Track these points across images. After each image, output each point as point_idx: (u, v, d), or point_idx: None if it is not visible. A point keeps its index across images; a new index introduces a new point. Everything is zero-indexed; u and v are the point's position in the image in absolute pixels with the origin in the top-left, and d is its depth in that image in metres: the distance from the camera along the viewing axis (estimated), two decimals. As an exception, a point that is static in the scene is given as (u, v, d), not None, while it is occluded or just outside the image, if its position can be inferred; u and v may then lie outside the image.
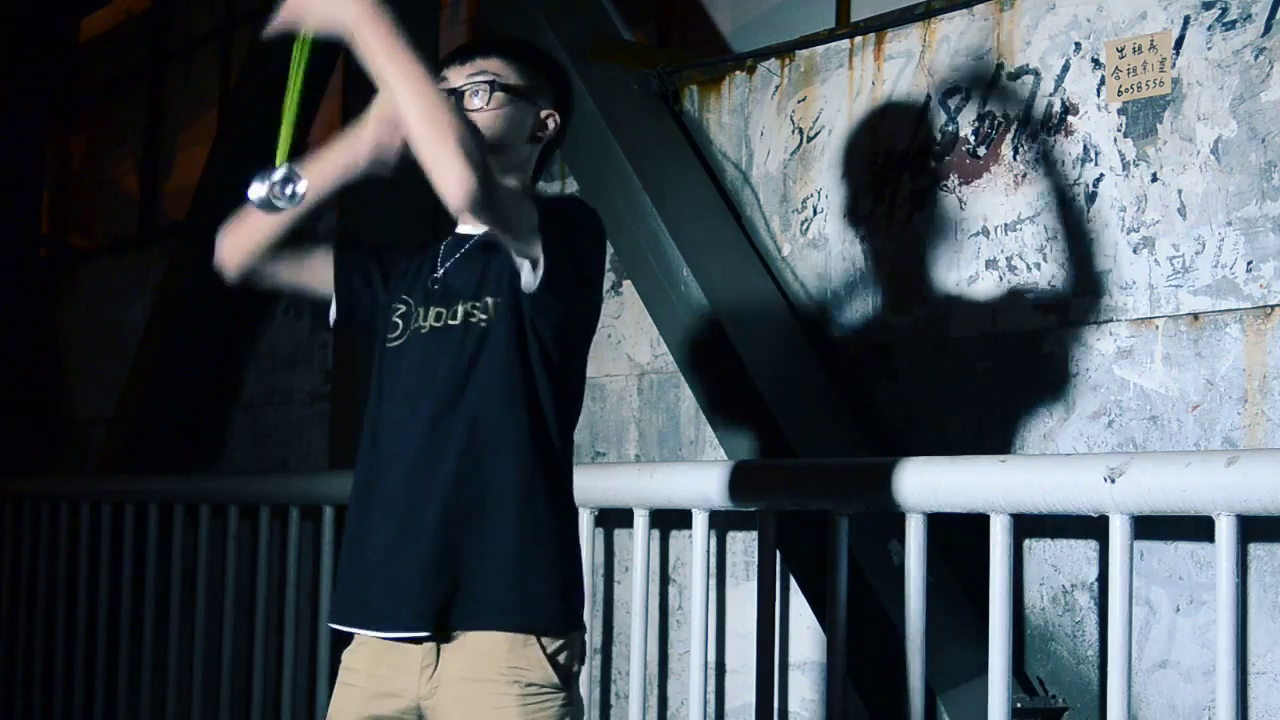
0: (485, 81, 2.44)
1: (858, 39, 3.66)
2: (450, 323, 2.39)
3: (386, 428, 2.42)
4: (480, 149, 2.23)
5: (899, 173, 3.52)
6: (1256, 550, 2.79)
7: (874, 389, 3.53)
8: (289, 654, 4.65)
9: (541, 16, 4.23)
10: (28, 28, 7.56)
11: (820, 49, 3.75)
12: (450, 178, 2.18)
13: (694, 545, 3.32)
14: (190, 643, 5.05)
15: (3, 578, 6.27)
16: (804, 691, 3.51)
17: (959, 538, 3.20)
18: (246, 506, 4.86)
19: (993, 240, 3.31)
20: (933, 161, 3.45)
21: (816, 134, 3.73)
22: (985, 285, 3.32)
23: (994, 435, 3.27)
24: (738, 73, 3.96)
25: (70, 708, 5.73)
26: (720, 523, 3.66)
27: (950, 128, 3.42)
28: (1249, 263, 2.87)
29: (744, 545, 3.72)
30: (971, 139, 3.38)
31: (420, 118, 2.24)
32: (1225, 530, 2.48)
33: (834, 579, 3.07)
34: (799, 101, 3.78)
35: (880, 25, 3.61)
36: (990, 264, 3.31)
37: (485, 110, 2.42)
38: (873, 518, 3.14)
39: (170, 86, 7.41)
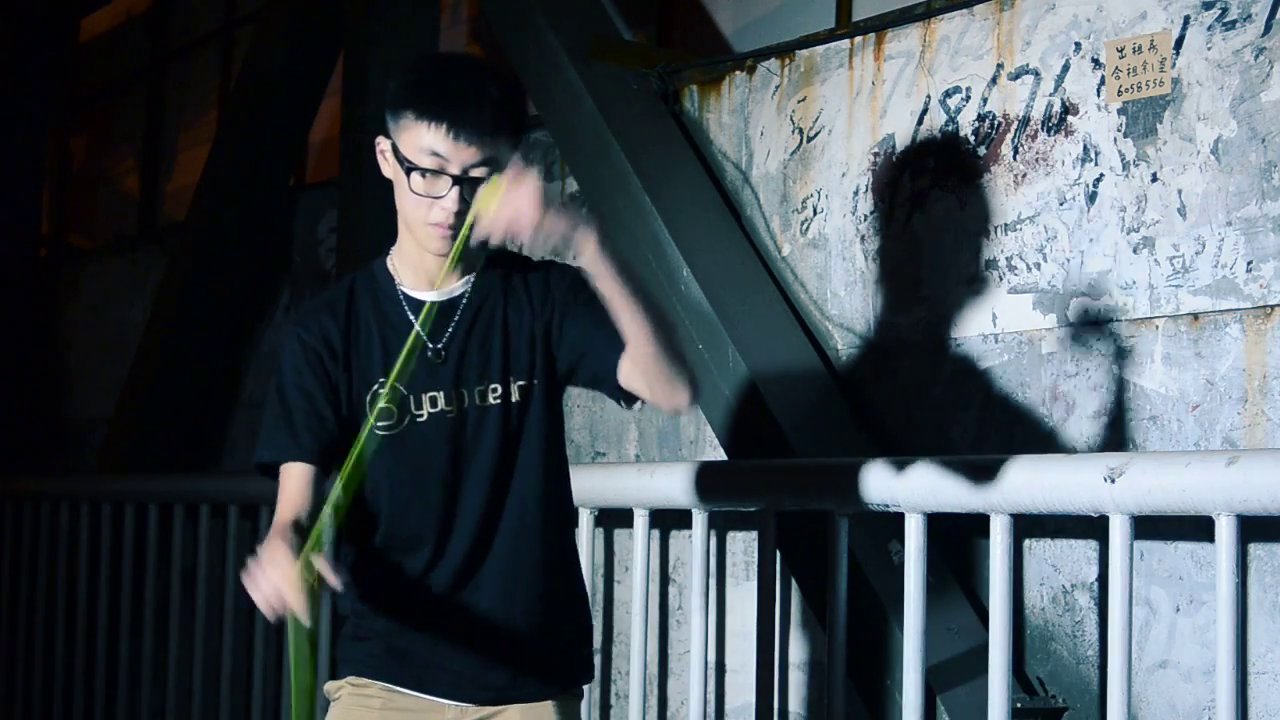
0: (502, 169, 2.20)
1: (858, 39, 3.66)
2: (482, 403, 2.34)
3: (413, 508, 2.35)
4: (689, 356, 2.31)
5: (899, 173, 3.52)
6: (1256, 550, 2.79)
7: (874, 389, 3.53)
8: (289, 654, 4.64)
9: (541, 16, 4.23)
10: (28, 28, 7.56)
11: (820, 49, 3.75)
12: (681, 392, 2.24)
13: (694, 545, 3.32)
14: (190, 643, 5.05)
15: (3, 578, 6.27)
16: (804, 691, 3.51)
17: (959, 537, 3.20)
18: (246, 506, 4.85)
19: (993, 240, 3.31)
20: (933, 161, 3.45)
21: (816, 134, 3.73)
22: (985, 285, 3.32)
23: (994, 435, 3.27)
24: (738, 73, 3.96)
25: (70, 707, 5.73)
26: (720, 523, 3.66)
27: (950, 128, 3.42)
28: (1249, 263, 2.87)
29: (744, 545, 3.72)
30: (971, 139, 3.38)
31: (655, 339, 2.20)
32: (1225, 530, 2.48)
33: (834, 579, 3.07)
34: (799, 101, 3.78)
35: (880, 25, 3.61)
36: (990, 264, 3.31)
37: None
38: (873, 518, 3.14)
39: (170, 86, 7.41)
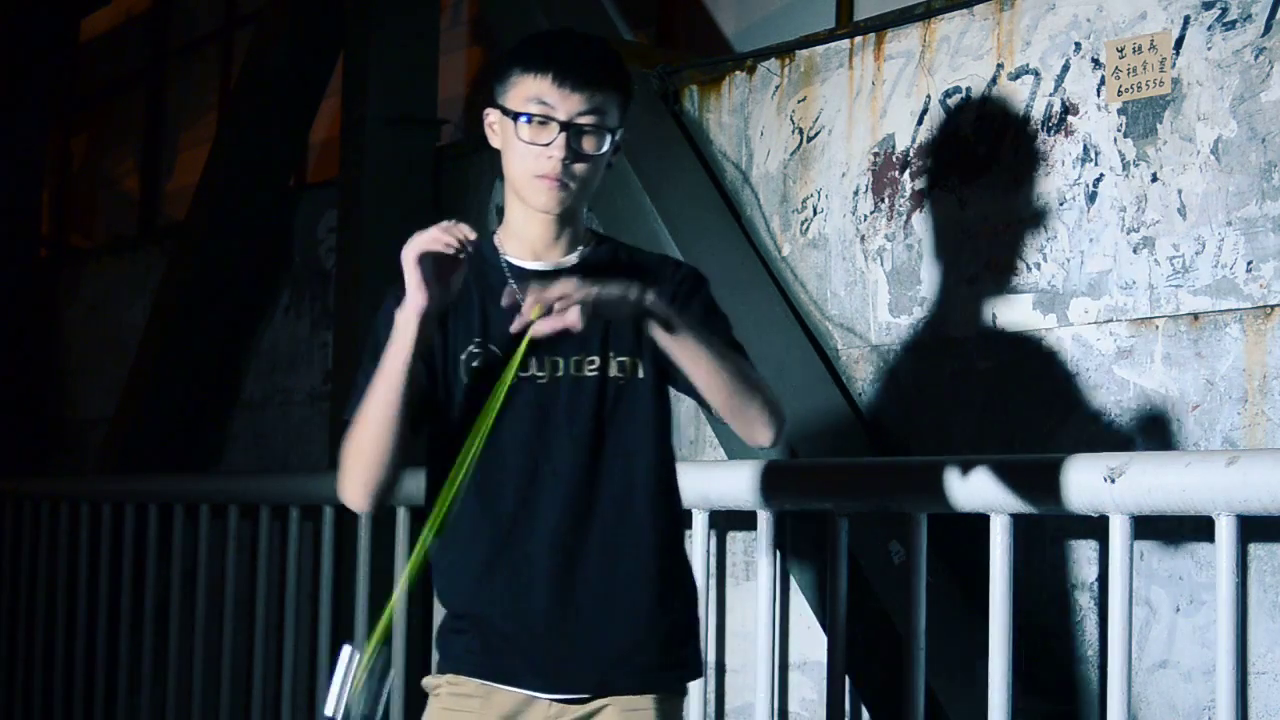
0: (608, 129, 2.26)
1: (858, 39, 3.66)
2: (577, 373, 2.27)
3: (502, 478, 2.27)
4: (773, 392, 2.26)
5: (899, 173, 3.52)
6: (1256, 550, 2.79)
7: (874, 389, 3.53)
8: (289, 654, 4.65)
9: (541, 17, 4.23)
10: (28, 28, 7.56)
11: (820, 49, 3.75)
12: (762, 434, 2.24)
13: (694, 545, 3.31)
14: (190, 643, 5.05)
15: (3, 578, 6.27)
16: (804, 691, 3.51)
17: (959, 537, 3.20)
18: (246, 506, 4.86)
19: (993, 240, 3.31)
20: (933, 161, 3.45)
21: (816, 134, 3.73)
22: (985, 285, 3.31)
23: (994, 435, 3.27)
24: (738, 73, 3.96)
25: (70, 707, 5.73)
26: (720, 523, 3.66)
27: (950, 128, 3.42)
28: (1249, 263, 2.87)
29: (744, 545, 3.72)
30: (971, 139, 3.38)
31: (727, 390, 2.21)
32: (1225, 530, 2.48)
33: (834, 579, 3.07)
34: (799, 101, 3.78)
35: (880, 25, 3.61)
36: (990, 264, 3.31)
37: (599, 158, 2.27)
38: (873, 518, 3.14)
39: (170, 86, 7.41)
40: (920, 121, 3.49)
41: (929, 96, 3.48)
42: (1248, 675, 2.76)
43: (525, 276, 2.28)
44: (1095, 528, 2.96)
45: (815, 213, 3.71)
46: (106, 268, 7.12)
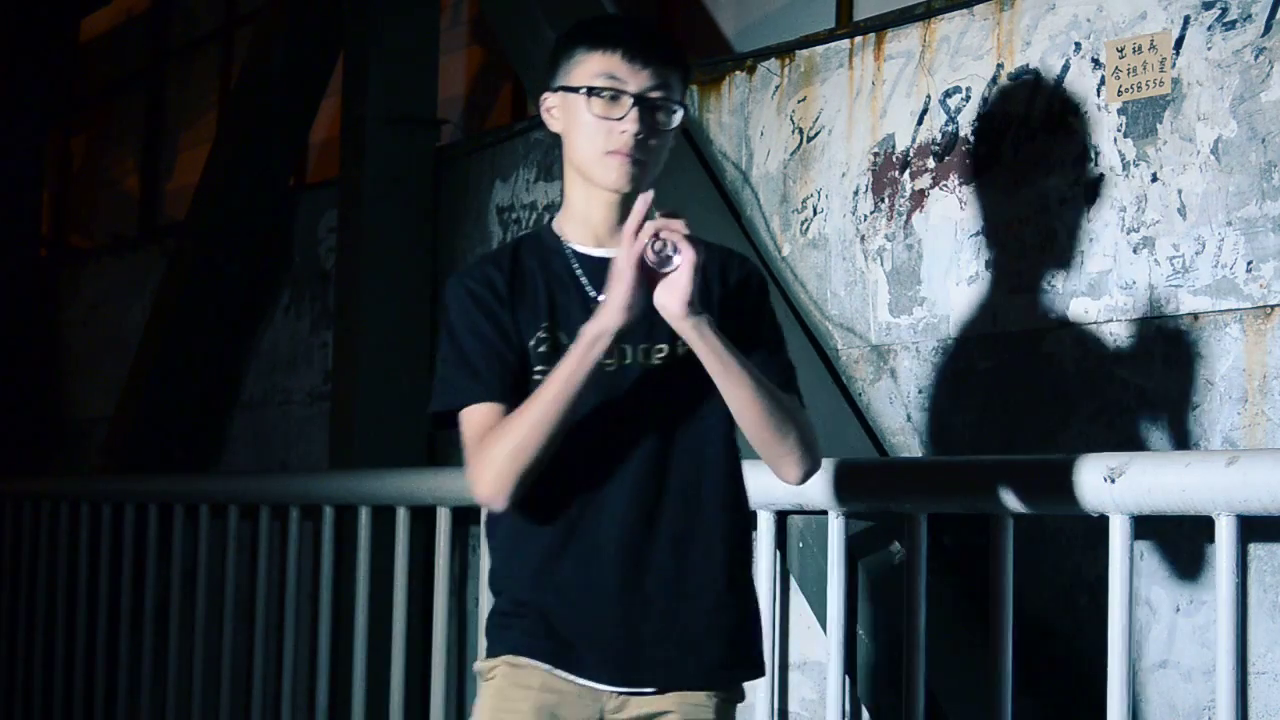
0: (677, 104, 2.25)
1: (858, 39, 3.65)
2: (645, 361, 2.22)
3: (568, 464, 2.21)
4: (810, 433, 2.24)
5: (899, 173, 3.52)
6: (1256, 550, 2.79)
7: (874, 389, 3.53)
8: (289, 654, 4.65)
9: (541, 16, 4.23)
10: (28, 28, 7.56)
11: (820, 49, 3.75)
12: (792, 472, 2.23)
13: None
14: (190, 643, 5.05)
15: (3, 578, 6.27)
16: (804, 691, 3.51)
17: (959, 537, 3.20)
18: (246, 506, 4.86)
19: (993, 240, 3.31)
20: (933, 161, 3.45)
21: (816, 134, 3.73)
22: (985, 285, 3.32)
23: (994, 435, 3.27)
24: (737, 73, 3.96)
25: (70, 707, 5.73)
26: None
27: (950, 128, 3.42)
28: (1249, 263, 2.87)
29: (744, 545, 3.71)
30: (971, 139, 3.38)
31: (758, 422, 2.19)
32: (1225, 530, 2.48)
33: (834, 579, 3.07)
34: (799, 101, 3.78)
35: (880, 25, 3.61)
36: (990, 264, 3.31)
37: (668, 133, 2.25)
38: (873, 517, 3.14)
39: (170, 86, 7.41)
40: (920, 121, 3.49)
41: (929, 96, 3.48)
42: (1248, 675, 2.76)
43: (591, 264, 2.26)
44: (1095, 528, 2.96)
45: (815, 213, 3.71)
46: (106, 268, 7.13)
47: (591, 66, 2.22)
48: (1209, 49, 2.96)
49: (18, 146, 7.47)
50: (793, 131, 3.78)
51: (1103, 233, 3.12)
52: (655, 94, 2.22)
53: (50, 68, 7.69)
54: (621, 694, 2.23)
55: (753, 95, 3.91)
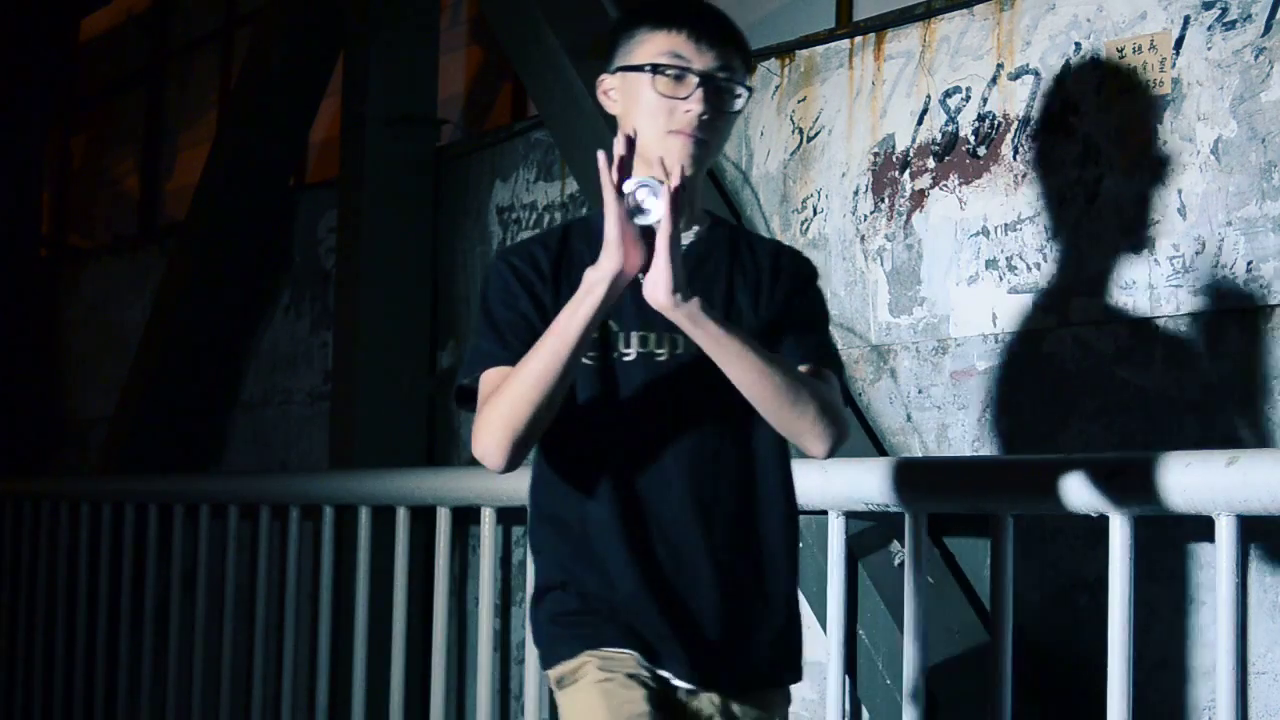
0: (741, 85, 2.21)
1: (858, 39, 3.65)
2: (700, 351, 2.12)
3: (622, 456, 2.17)
4: (832, 406, 2.14)
5: (899, 173, 3.52)
6: (1256, 550, 2.79)
7: (874, 389, 3.53)
8: (289, 654, 4.66)
9: (541, 16, 4.23)
10: (28, 28, 7.56)
11: (820, 49, 3.75)
12: (815, 446, 2.14)
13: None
14: (190, 643, 5.05)
15: (3, 578, 6.27)
16: (804, 691, 3.51)
17: (959, 537, 3.20)
18: (246, 506, 4.86)
19: (993, 240, 3.31)
20: (933, 161, 3.45)
21: (816, 134, 3.73)
22: (985, 285, 3.32)
23: (994, 435, 3.27)
24: (738, 73, 3.96)
25: (70, 707, 5.73)
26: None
27: (950, 128, 3.42)
28: (1249, 263, 2.87)
29: (744, 545, 3.71)
30: (971, 139, 3.38)
31: (768, 399, 2.10)
32: (1225, 530, 2.48)
33: (834, 579, 3.07)
34: (799, 101, 3.78)
35: (880, 25, 3.61)
36: (990, 264, 3.31)
37: (732, 116, 2.21)
38: (873, 518, 3.14)
39: (170, 86, 7.41)
40: (920, 121, 3.49)
41: (929, 96, 3.48)
42: (1248, 675, 2.76)
43: None
44: (1095, 528, 2.96)
45: (815, 213, 3.71)
46: (106, 268, 7.13)
47: (655, 45, 2.18)
48: (1209, 49, 2.96)
49: (18, 146, 7.47)
50: (793, 131, 3.78)
51: (1103, 233, 3.11)
52: (720, 75, 2.17)
53: (50, 68, 7.69)
54: (693, 690, 2.19)
55: (753, 95, 3.91)
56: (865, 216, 3.58)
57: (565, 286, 2.19)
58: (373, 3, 5.01)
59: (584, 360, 2.14)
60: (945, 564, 3.23)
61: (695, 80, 2.16)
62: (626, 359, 2.19)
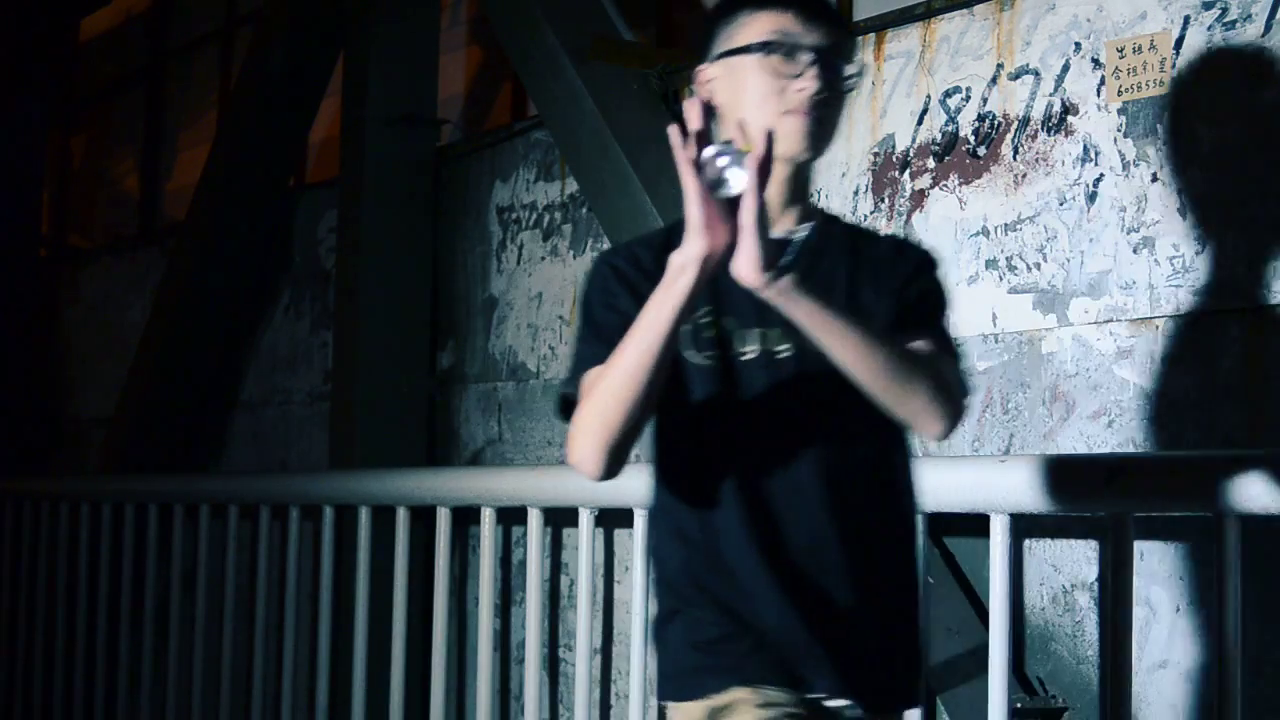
0: (853, 64, 2.07)
1: (858, 39, 3.65)
2: (819, 350, 1.95)
3: (745, 461, 2.04)
4: (948, 382, 1.98)
5: (899, 173, 3.52)
6: (1257, 550, 2.79)
7: (874, 389, 3.53)
8: (289, 654, 4.65)
9: (541, 16, 4.23)
10: (28, 28, 7.56)
11: (820, 49, 3.74)
12: (931, 426, 1.97)
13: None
14: (190, 643, 5.05)
15: (3, 578, 6.27)
16: (804, 691, 3.51)
17: (959, 537, 3.20)
18: (246, 506, 4.86)
19: (993, 240, 3.31)
20: (933, 161, 3.45)
21: (816, 134, 3.72)
22: (985, 285, 3.31)
23: (994, 435, 3.27)
24: (738, 73, 3.96)
25: (70, 707, 5.73)
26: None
27: (950, 128, 3.42)
28: (1249, 263, 2.87)
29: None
30: (971, 139, 3.38)
31: (874, 378, 1.93)
32: (1225, 530, 2.48)
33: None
34: (799, 101, 3.78)
35: (880, 25, 3.61)
36: (990, 264, 3.31)
37: (845, 95, 2.07)
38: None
39: (170, 86, 7.41)
40: (920, 121, 3.49)
41: (929, 96, 3.48)
42: (1248, 675, 2.76)
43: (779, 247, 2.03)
44: (1095, 528, 2.96)
45: (815, 213, 3.70)
46: (106, 268, 7.13)
47: (762, 25, 2.05)
48: (1209, 49, 2.96)
49: (18, 146, 7.47)
50: (793, 131, 3.78)
51: (1103, 233, 3.11)
52: (832, 51, 2.05)
53: (50, 68, 7.68)
54: (841, 706, 2.05)
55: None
56: (865, 216, 3.58)
57: None
58: (373, 3, 5.01)
59: (702, 360, 2.04)
60: (945, 564, 3.23)
61: (808, 57, 2.02)
62: (746, 358, 2.05)
